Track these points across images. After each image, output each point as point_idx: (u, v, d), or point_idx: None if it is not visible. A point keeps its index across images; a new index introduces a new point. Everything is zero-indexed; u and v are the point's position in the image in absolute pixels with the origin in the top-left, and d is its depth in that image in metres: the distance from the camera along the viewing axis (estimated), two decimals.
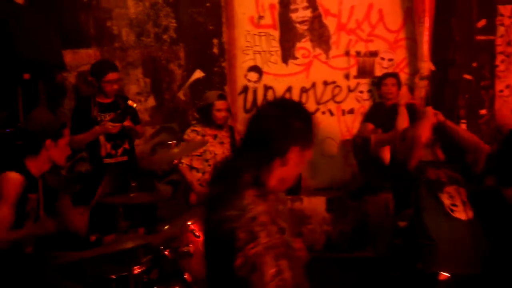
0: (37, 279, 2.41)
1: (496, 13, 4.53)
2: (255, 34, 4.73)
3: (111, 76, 3.58)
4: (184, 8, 4.60)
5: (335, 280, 3.80)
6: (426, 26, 4.41)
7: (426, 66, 4.44)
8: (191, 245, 2.62)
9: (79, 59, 4.51)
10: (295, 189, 4.41)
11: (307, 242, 4.26)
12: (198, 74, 4.62)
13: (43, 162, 2.55)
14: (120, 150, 3.71)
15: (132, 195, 2.72)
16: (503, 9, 4.66)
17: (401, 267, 3.19)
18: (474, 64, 4.41)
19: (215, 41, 4.61)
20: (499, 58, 4.66)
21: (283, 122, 1.42)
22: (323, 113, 4.80)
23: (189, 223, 2.71)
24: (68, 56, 4.45)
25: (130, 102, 3.65)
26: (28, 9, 4.19)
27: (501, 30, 4.65)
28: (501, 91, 4.68)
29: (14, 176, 2.40)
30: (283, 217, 1.46)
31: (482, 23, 4.49)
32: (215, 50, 4.61)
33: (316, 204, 4.31)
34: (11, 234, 2.37)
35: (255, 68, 4.76)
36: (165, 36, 4.63)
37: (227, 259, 1.26)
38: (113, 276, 2.49)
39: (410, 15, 4.63)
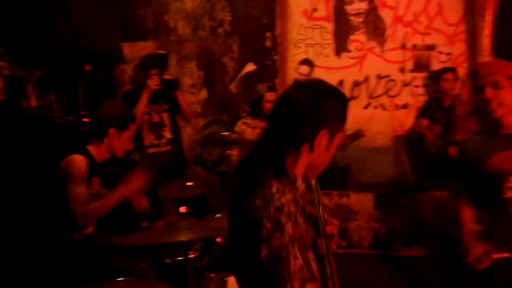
0: (97, 260, 2.55)
1: None
2: (308, 27, 4.70)
3: (154, 71, 3.65)
4: (239, 1, 4.65)
5: (381, 278, 3.77)
6: (488, 19, 4.22)
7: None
8: None
9: (137, 51, 4.68)
10: (343, 184, 4.39)
11: (354, 239, 4.26)
12: (250, 67, 4.67)
13: (104, 150, 2.68)
14: (163, 140, 3.81)
15: (188, 184, 2.80)
16: None
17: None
18: None
19: (268, 34, 4.63)
20: None
21: (312, 103, 1.31)
22: (376, 107, 4.71)
23: None
24: (127, 49, 4.62)
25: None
26: (90, 2, 4.40)
27: None
28: None
29: (79, 158, 2.53)
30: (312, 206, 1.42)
31: None
32: (268, 43, 4.64)
33: (364, 200, 4.27)
34: (94, 206, 2.48)
35: (307, 61, 4.74)
36: (219, 30, 4.72)
37: (253, 250, 1.21)
38: (168, 261, 2.59)
39: (470, 8, 4.43)
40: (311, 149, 1.31)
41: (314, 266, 1.21)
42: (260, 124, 3.81)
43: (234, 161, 3.76)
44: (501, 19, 4.21)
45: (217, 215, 2.91)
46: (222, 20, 4.71)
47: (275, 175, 1.28)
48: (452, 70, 4.35)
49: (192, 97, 4.55)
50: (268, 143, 1.34)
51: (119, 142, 2.67)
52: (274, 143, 1.32)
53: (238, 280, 1.36)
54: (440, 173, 4.00)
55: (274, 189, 1.25)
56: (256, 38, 4.65)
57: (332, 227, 1.57)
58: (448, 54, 4.57)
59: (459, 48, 4.56)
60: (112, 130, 2.64)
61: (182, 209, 2.25)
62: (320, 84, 1.40)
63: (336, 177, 4.47)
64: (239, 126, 3.85)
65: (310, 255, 1.21)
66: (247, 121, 3.86)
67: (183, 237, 2.02)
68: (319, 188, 1.66)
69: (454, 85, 4.29)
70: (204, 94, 4.82)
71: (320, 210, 1.59)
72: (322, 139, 1.31)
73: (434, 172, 4.11)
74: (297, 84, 1.47)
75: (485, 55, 4.26)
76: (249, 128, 3.81)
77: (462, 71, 4.48)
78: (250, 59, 4.67)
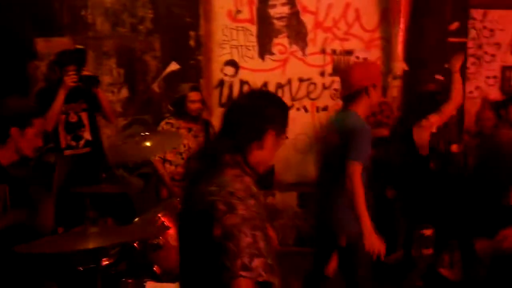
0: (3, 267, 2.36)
1: (468, 16, 4.64)
2: (232, 28, 4.72)
3: (71, 68, 3.47)
4: None
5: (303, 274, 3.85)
6: (401, 27, 4.49)
7: (400, 66, 4.53)
8: (160, 238, 2.61)
9: (52, 47, 4.41)
10: (268, 184, 4.45)
11: (279, 237, 4.33)
12: (173, 66, 4.59)
13: (10, 151, 2.48)
14: (82, 142, 3.63)
15: (103, 186, 2.69)
16: (475, 12, 4.78)
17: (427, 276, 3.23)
18: (446, 65, 4.51)
19: (192, 33, 4.58)
20: (470, 60, 4.78)
21: (260, 108, 1.56)
22: (298, 109, 4.83)
23: (159, 215, 2.70)
24: (40, 44, 4.36)
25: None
26: None
27: (472, 33, 4.78)
28: (471, 92, 4.80)
29: None
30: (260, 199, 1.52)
31: (454, 25, 4.59)
32: (192, 42, 4.59)
33: (288, 199, 4.35)
34: None
35: (232, 63, 4.75)
36: (141, 27, 4.58)
37: (206, 229, 1.36)
38: (81, 268, 2.46)
39: (385, 16, 4.70)
40: (259, 147, 1.53)
41: (261, 244, 1.35)
42: (184, 125, 3.74)
43: (156, 162, 3.67)
44: (413, 27, 4.51)
45: (135, 220, 2.81)
46: (143, 17, 4.58)
47: (228, 167, 1.47)
48: None
49: (111, 96, 4.38)
50: (224, 139, 1.54)
51: (24, 141, 2.48)
52: (229, 139, 1.52)
53: (189, 269, 1.51)
54: None
55: (228, 177, 1.44)
56: (180, 37, 4.58)
57: (269, 229, 1.69)
58: (365, 59, 4.80)
59: (375, 54, 4.80)
60: (13, 129, 2.44)
61: (93, 214, 2.14)
62: (266, 92, 1.87)
63: (261, 177, 4.51)
64: (162, 127, 3.76)
65: (259, 234, 1.35)
66: (170, 121, 3.78)
67: (91, 244, 1.90)
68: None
69: None
70: (124, 93, 4.65)
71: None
72: (268, 138, 1.54)
73: None
74: (245, 93, 1.89)
75: (399, 61, 4.53)
76: (173, 129, 3.73)
77: None
78: (173, 58, 4.59)
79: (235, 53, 4.74)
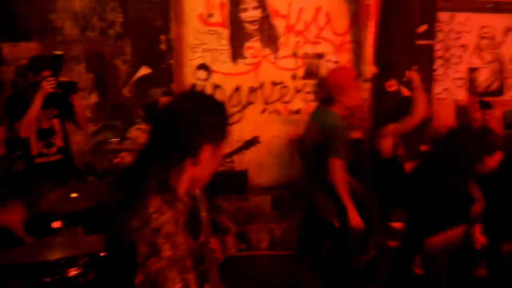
0: None
1: (436, 19, 4.74)
2: (204, 32, 4.70)
3: (47, 73, 3.40)
4: (131, 3, 4.50)
5: (279, 277, 3.85)
6: (371, 30, 4.56)
7: (370, 69, 4.59)
8: None
9: (18, 52, 4.31)
10: (242, 188, 4.44)
11: (253, 241, 4.32)
12: (144, 70, 4.53)
13: None
14: (53, 149, 3.55)
15: (72, 195, 2.62)
16: (443, 15, 4.90)
17: (395, 270, 3.29)
18: (414, 68, 4.60)
19: (163, 37, 4.54)
20: (438, 62, 4.89)
21: (194, 118, 1.29)
22: (271, 113, 4.85)
23: None
24: (6, 49, 4.25)
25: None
26: None
27: (440, 35, 4.89)
28: (439, 93, 4.91)
29: None
30: (195, 221, 1.39)
31: (422, 28, 4.68)
32: (163, 46, 4.55)
33: (262, 203, 4.35)
34: None
35: (204, 66, 4.73)
36: (110, 31, 4.51)
37: (128, 276, 1.15)
38: (48, 280, 2.40)
39: (356, 19, 4.76)
40: (194, 164, 1.29)
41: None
42: None
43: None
44: (382, 30, 4.58)
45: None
46: (113, 21, 4.51)
47: (154, 193, 1.22)
48: None
49: (81, 101, 4.28)
50: (151, 158, 1.28)
51: None
52: (157, 157, 1.27)
53: None
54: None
55: (152, 208, 1.19)
56: (150, 41, 4.53)
57: (214, 241, 1.58)
58: (336, 62, 4.86)
59: (346, 57, 4.87)
60: None
61: (56, 224, 2.08)
62: (203, 98, 1.41)
63: (235, 181, 4.51)
64: (133, 132, 3.71)
65: (190, 277, 1.17)
66: (141, 126, 3.74)
67: (57, 255, 1.85)
68: (205, 198, 1.66)
69: None
70: (94, 98, 4.57)
71: (205, 221, 1.57)
72: (205, 152, 1.29)
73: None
74: (180, 97, 1.43)
75: (368, 64, 4.60)
76: (144, 134, 3.68)
77: None
78: (144, 62, 4.53)
79: (207, 57, 4.73)
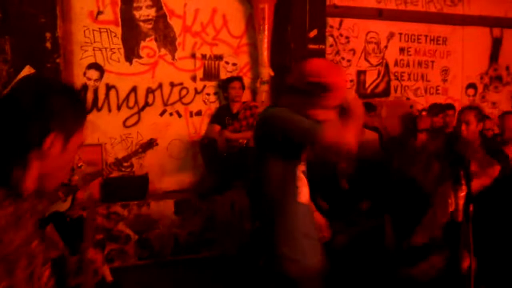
0: None
1: (326, 24, 4.99)
2: (95, 30, 4.42)
3: None
4: None
5: (185, 282, 3.73)
6: (266, 33, 4.65)
7: (266, 71, 4.68)
8: None
9: None
10: (142, 193, 4.23)
11: (156, 248, 4.13)
12: (27, 70, 4.12)
13: None
14: None
15: None
16: (332, 21, 5.18)
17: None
18: None
19: (48, 35, 4.16)
20: None
21: (37, 100, 1.08)
22: (171, 114, 4.71)
23: None
24: None
25: None
26: None
27: (330, 40, 5.16)
28: None
29: None
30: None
31: (313, 33, 4.89)
32: (48, 44, 4.17)
33: (164, 208, 4.18)
34: None
35: (95, 66, 4.45)
36: None
37: None
38: None
39: (251, 22, 4.83)
40: (41, 156, 1.09)
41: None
42: None
43: None
44: (276, 34, 4.70)
45: None
46: None
47: None
48: (238, 79, 4.65)
49: None
50: None
51: None
52: None
53: None
54: (234, 174, 4.22)
55: None
56: (34, 39, 4.12)
57: (94, 251, 1.49)
58: (234, 64, 4.88)
59: (244, 59, 4.92)
60: None
61: None
62: (49, 81, 1.23)
63: (134, 187, 4.28)
64: None
65: (20, 275, 1.02)
66: None
67: None
68: (93, 205, 1.55)
69: (241, 93, 4.59)
70: None
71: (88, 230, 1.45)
72: (53, 143, 1.09)
73: (228, 174, 4.31)
74: (22, 81, 1.20)
75: (265, 66, 4.68)
76: None
77: (247, 80, 4.84)
78: (27, 61, 4.10)
79: (99, 56, 4.45)
